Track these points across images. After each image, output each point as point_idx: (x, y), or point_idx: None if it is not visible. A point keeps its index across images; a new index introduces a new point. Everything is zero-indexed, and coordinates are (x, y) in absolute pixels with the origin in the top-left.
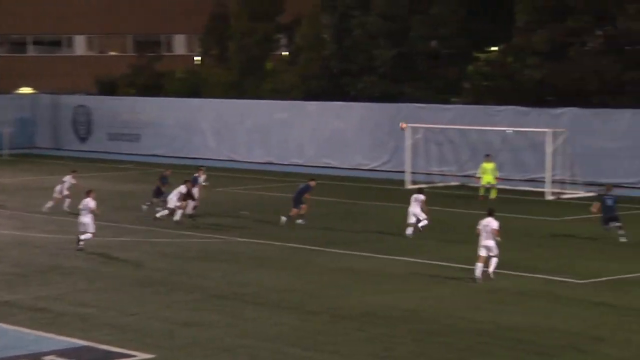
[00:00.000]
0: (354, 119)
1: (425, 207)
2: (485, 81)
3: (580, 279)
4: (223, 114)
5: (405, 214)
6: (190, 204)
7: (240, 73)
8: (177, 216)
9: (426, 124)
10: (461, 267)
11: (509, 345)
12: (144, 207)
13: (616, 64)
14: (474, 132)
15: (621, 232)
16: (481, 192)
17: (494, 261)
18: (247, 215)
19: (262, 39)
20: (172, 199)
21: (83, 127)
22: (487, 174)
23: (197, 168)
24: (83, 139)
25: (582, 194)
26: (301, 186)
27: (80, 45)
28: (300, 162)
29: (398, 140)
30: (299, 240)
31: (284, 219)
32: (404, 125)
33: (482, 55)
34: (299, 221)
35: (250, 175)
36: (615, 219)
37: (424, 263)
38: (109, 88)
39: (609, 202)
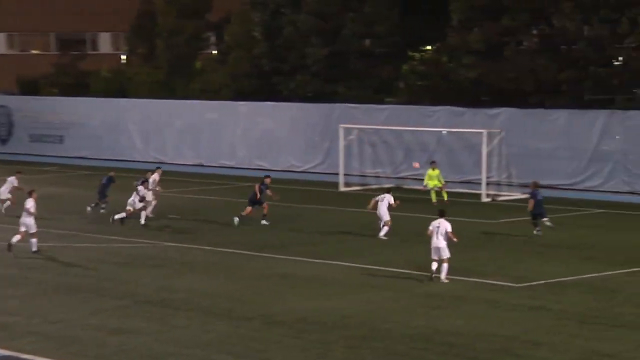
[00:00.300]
0: (286, 120)
1: (393, 206)
2: (420, 81)
3: (517, 283)
4: (151, 114)
5: (340, 216)
6: (151, 205)
7: (169, 72)
8: (143, 219)
9: (360, 124)
10: (397, 272)
11: (444, 350)
12: (89, 208)
13: (552, 63)
14: (409, 133)
15: (548, 223)
16: (433, 199)
17: (445, 267)
18: (176, 219)
19: (191, 37)
20: (135, 202)
21: (4, 128)
22: (433, 180)
23: (155, 169)
24: (4, 141)
25: (518, 195)
26: (258, 185)
27: (0, 44)
28: (231, 164)
29: (331, 141)
30: (231, 245)
31: (236, 219)
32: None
33: (416, 55)
34: (263, 222)
35: (179, 178)
36: (543, 215)
37: (360, 267)
38: (31, 88)
39: (539, 197)
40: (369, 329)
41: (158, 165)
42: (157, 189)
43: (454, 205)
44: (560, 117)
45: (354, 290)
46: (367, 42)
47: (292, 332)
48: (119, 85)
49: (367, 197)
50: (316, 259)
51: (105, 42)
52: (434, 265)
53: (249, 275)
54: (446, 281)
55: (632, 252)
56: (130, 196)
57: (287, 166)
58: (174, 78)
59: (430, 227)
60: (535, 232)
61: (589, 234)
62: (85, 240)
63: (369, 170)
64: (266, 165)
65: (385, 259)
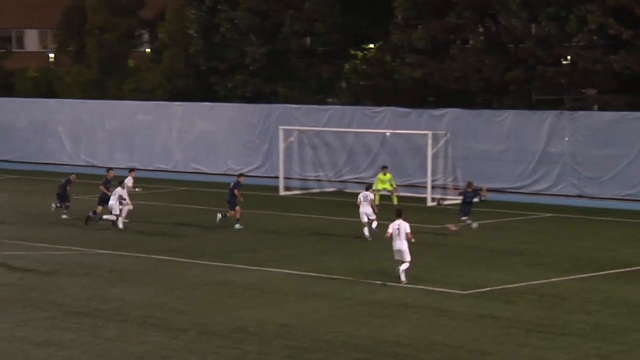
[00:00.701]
0: (223, 121)
1: (374, 204)
2: (362, 80)
3: (463, 290)
4: (81, 115)
5: (281, 221)
6: (125, 209)
7: (100, 71)
8: (121, 223)
9: (301, 126)
10: (340, 279)
11: None
12: (53, 205)
13: (499, 62)
14: (352, 135)
15: (468, 222)
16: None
17: (404, 266)
18: (108, 225)
19: (123, 34)
20: (115, 205)
21: None
22: (384, 184)
23: (129, 171)
24: None
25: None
26: (231, 185)
27: None
28: (166, 167)
29: (271, 143)
30: (167, 252)
31: (219, 215)
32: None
33: (359, 53)
34: (237, 226)
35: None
36: (468, 213)
37: (301, 275)
38: None
39: (468, 198)
40: (311, 340)
41: (131, 168)
42: (137, 189)
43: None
44: (507, 118)
45: (295, 298)
46: (308, 40)
47: (231, 343)
48: (47, 85)
49: (307, 201)
50: (256, 266)
51: (32, 40)
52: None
53: (186, 284)
54: (404, 280)
55: (581, 257)
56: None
57: (224, 169)
58: (106, 78)
59: (390, 229)
60: (472, 225)
61: (536, 239)
62: (11, 247)
63: (310, 174)
64: (203, 169)
65: (328, 266)
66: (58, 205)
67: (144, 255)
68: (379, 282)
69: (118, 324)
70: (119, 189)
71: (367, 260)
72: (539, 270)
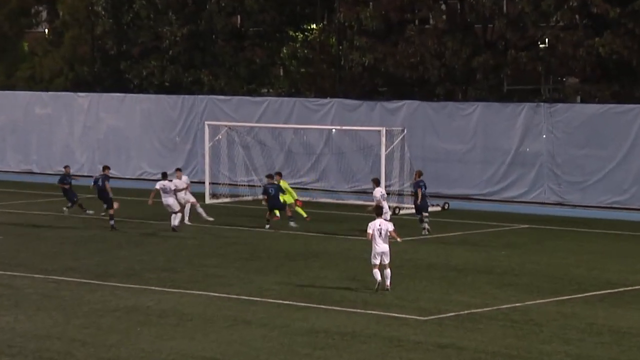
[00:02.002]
0: (137, 115)
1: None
2: (303, 67)
3: (422, 315)
4: None
5: (205, 236)
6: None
7: None
8: (177, 222)
9: (230, 121)
10: (274, 303)
11: None
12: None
13: (463, 46)
14: (290, 132)
15: (426, 223)
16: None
17: (388, 272)
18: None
19: (15, 12)
20: (174, 202)
21: None
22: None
23: (176, 170)
24: None
25: None
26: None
27: None
28: (72, 171)
29: (195, 142)
30: (68, 272)
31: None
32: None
33: (299, 35)
34: (292, 224)
35: (2, 188)
36: (426, 209)
37: (229, 298)
38: None
39: (424, 189)
40: None
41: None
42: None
43: (345, 221)
44: (474, 112)
45: (222, 326)
46: (237, 19)
47: None
48: None
49: (238, 210)
50: (174, 288)
51: None
52: (377, 274)
53: (90, 310)
54: (389, 288)
55: (559, 276)
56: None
57: (139, 173)
58: None
59: (370, 230)
60: (423, 232)
61: (508, 255)
62: None
63: (241, 178)
64: (113, 172)
65: (261, 287)
66: (69, 205)
67: (40, 276)
68: (378, 285)
69: (9, 358)
70: (166, 183)
71: (307, 279)
72: (510, 292)
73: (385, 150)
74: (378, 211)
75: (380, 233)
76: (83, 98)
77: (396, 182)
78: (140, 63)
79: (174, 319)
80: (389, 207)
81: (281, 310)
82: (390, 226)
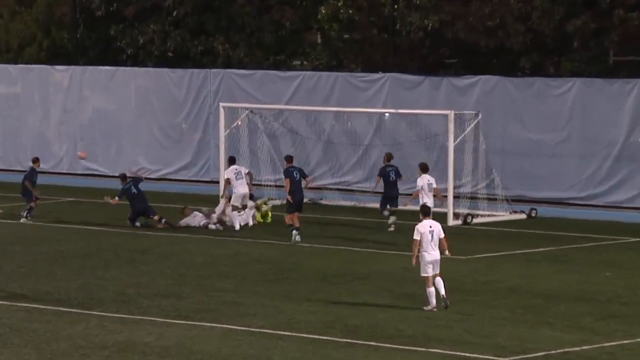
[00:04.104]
0: (131, 95)
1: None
2: (347, 33)
3: (502, 356)
4: None
5: (218, 248)
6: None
7: None
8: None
9: (251, 102)
10: (306, 338)
11: None
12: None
13: (556, 5)
14: (330, 117)
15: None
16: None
17: (440, 281)
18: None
19: None
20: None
21: None
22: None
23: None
24: None
25: (505, 215)
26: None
27: None
28: (45, 167)
29: (205, 130)
30: (42, 297)
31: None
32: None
33: None
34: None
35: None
36: (395, 199)
37: (248, 332)
38: None
39: (392, 175)
40: None
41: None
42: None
43: (402, 232)
44: (569, 91)
45: None
46: None
47: None
48: None
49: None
50: (180, 318)
51: None
52: (433, 295)
53: (71, 347)
54: (448, 303)
55: None
56: None
57: (133, 170)
58: None
59: (418, 235)
60: (390, 228)
61: (613, 277)
62: None
63: (266, 177)
64: (101, 169)
65: (288, 319)
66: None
67: (5, 302)
68: (373, 342)
69: None
70: (238, 167)
71: (350, 308)
72: (616, 325)
73: (454, 141)
74: (424, 210)
75: (432, 237)
76: (62, 72)
77: (468, 181)
78: (135, 27)
79: (178, 358)
80: (460, 215)
81: (317, 348)
82: (442, 231)
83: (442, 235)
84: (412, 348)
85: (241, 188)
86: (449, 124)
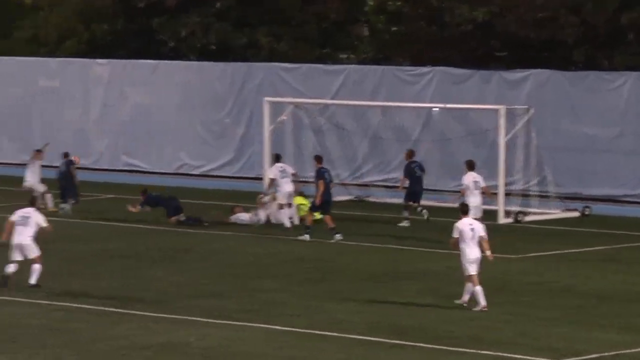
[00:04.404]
0: (173, 90)
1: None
2: (394, 25)
3: (553, 358)
4: None
5: (259, 247)
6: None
7: None
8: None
9: (296, 96)
10: (351, 339)
11: None
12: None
13: None
14: (378, 111)
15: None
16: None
17: (480, 289)
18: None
19: None
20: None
21: None
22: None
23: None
24: None
25: (557, 213)
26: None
27: None
28: (85, 163)
29: (249, 125)
30: (80, 297)
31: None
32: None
33: None
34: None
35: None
36: (419, 195)
37: (292, 333)
38: None
39: (417, 171)
40: None
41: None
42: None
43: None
44: (624, 85)
45: None
46: None
47: None
48: None
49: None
50: (221, 318)
51: None
52: (479, 292)
53: (111, 348)
54: (484, 305)
55: None
56: None
57: (175, 167)
58: None
59: (457, 233)
60: (403, 223)
61: None
62: None
63: (312, 174)
64: (142, 165)
65: (333, 320)
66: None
67: (44, 302)
68: (421, 344)
69: None
70: (284, 165)
71: (397, 308)
72: None
73: (505, 136)
74: (463, 208)
75: (473, 235)
76: (102, 66)
77: (519, 178)
78: (177, 19)
79: (220, 359)
80: (511, 213)
81: (363, 350)
82: (482, 230)
83: (483, 234)
84: (461, 349)
85: (286, 186)
86: (500, 119)
